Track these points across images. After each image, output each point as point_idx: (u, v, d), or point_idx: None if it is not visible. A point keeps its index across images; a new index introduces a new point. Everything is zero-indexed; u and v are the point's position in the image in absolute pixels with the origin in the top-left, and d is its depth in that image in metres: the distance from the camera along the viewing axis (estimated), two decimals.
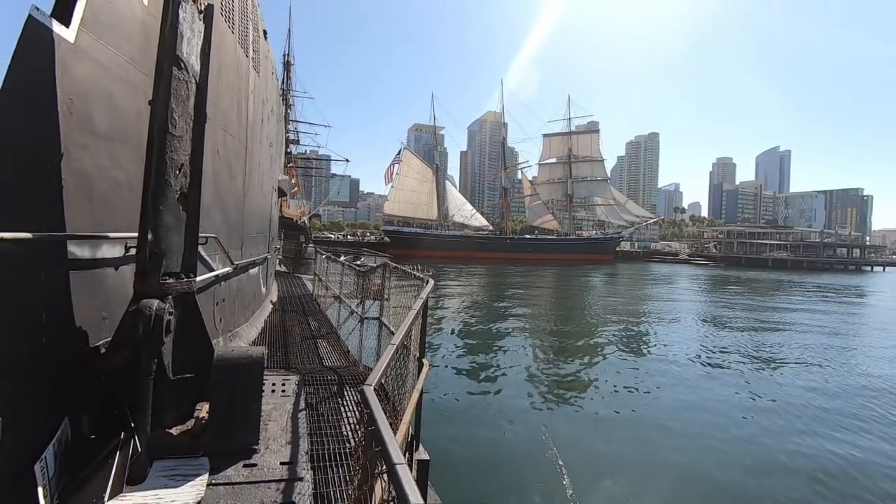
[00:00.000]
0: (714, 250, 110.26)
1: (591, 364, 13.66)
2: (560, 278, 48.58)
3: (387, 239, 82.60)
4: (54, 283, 2.88)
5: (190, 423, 3.66)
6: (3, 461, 2.36)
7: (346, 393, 5.19)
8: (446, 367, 12.56)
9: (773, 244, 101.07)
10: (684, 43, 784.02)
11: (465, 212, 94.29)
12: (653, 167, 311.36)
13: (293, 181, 48.98)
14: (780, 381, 12.33)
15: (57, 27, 2.81)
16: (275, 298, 11.91)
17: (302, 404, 4.56)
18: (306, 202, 61.77)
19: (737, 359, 14.66)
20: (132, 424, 3.04)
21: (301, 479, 3.21)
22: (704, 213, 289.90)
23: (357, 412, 4.62)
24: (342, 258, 12.62)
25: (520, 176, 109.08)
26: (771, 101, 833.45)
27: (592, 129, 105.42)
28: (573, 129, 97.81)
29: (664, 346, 16.30)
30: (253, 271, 8.33)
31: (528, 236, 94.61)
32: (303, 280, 17.88)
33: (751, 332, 19.51)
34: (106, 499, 2.71)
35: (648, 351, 15.66)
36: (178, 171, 3.14)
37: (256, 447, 3.47)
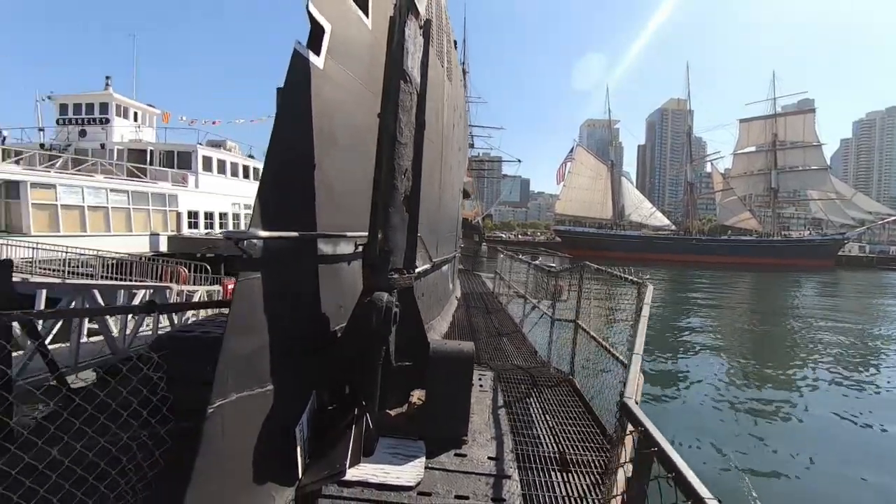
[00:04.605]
0: None
1: (802, 402, 10.71)
2: (759, 287, 40.34)
3: (558, 239, 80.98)
4: (309, 276, 3.39)
5: (404, 407, 3.99)
6: (276, 421, 2.84)
7: (537, 393, 5.16)
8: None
9: None
10: None
11: (643, 210, 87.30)
12: (893, 150, 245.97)
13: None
14: None
15: (312, 57, 3.28)
16: (459, 294, 12.54)
17: (500, 400, 4.65)
18: (480, 203, 64.10)
19: None
20: (363, 403, 3.41)
21: (509, 478, 3.23)
22: None
23: (553, 415, 4.53)
24: (522, 257, 12.70)
25: (709, 169, 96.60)
26: None
27: (806, 108, 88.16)
28: (779, 110, 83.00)
29: None
30: (444, 268, 8.87)
31: (720, 237, 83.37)
32: (482, 278, 18.53)
33: None
34: (347, 466, 3.08)
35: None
36: (403, 176, 3.43)
37: (466, 438, 3.62)
